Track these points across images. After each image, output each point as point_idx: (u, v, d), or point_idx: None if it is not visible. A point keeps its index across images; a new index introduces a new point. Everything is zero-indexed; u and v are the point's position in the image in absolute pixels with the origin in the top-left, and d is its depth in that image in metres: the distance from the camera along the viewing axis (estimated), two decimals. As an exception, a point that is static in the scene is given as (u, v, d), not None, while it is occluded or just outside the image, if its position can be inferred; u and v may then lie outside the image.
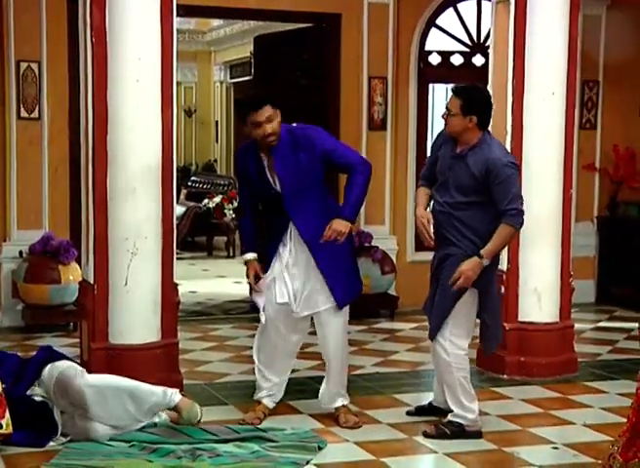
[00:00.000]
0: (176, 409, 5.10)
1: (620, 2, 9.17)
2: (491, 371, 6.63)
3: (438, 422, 5.32)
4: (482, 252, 5.03)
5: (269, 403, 5.47)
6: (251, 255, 5.34)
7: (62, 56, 7.94)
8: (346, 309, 5.42)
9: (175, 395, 5.09)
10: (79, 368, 5.12)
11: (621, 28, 9.17)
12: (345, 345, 5.48)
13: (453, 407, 5.25)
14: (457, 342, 5.21)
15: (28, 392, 4.98)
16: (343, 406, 5.46)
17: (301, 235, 5.25)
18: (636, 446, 4.16)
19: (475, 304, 5.22)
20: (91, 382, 4.93)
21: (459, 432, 5.20)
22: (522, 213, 5.07)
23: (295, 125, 5.33)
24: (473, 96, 5.17)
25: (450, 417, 5.27)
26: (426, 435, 5.23)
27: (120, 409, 4.93)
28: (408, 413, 5.62)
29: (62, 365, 5.05)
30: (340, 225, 5.13)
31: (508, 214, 5.01)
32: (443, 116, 5.24)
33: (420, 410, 5.60)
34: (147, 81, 5.64)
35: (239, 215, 5.68)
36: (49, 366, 5.05)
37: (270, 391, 5.45)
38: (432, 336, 5.27)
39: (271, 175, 5.26)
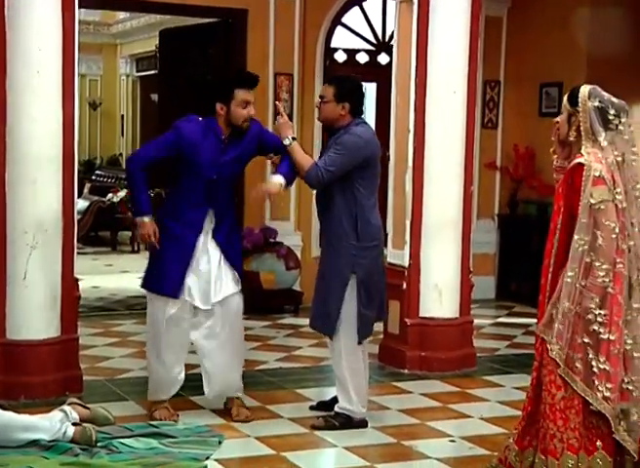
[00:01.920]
0: (72, 441, 4.83)
1: (521, 4, 9.35)
2: (392, 366, 6.71)
3: (326, 415, 5.36)
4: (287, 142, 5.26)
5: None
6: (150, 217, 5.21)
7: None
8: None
9: (68, 429, 4.79)
10: None
11: (522, 29, 9.36)
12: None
13: (340, 398, 5.32)
14: (346, 337, 5.25)
15: None
16: (237, 398, 5.47)
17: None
18: (530, 434, 4.27)
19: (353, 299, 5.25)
20: None
21: (346, 423, 5.28)
22: (322, 177, 5.11)
23: None
24: (346, 84, 5.32)
25: (337, 409, 5.33)
26: (315, 427, 5.28)
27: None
28: (311, 408, 5.65)
29: None
30: (271, 185, 5.22)
31: (317, 165, 5.14)
32: (317, 105, 5.38)
33: (323, 405, 5.63)
34: (48, 72, 5.55)
35: (135, 166, 5.22)
36: None
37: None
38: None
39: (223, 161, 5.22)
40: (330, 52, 9.25)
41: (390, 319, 6.82)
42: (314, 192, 5.59)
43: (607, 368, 4.04)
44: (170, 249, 5.20)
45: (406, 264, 6.69)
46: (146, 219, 5.18)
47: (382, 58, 9.50)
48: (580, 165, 4.10)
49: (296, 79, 8.91)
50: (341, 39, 9.35)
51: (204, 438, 4.94)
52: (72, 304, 5.85)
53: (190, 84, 8.60)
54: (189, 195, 5.22)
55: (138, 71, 16.89)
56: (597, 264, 4.05)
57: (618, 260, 4.07)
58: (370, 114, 9.80)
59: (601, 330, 4.05)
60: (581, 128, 4.19)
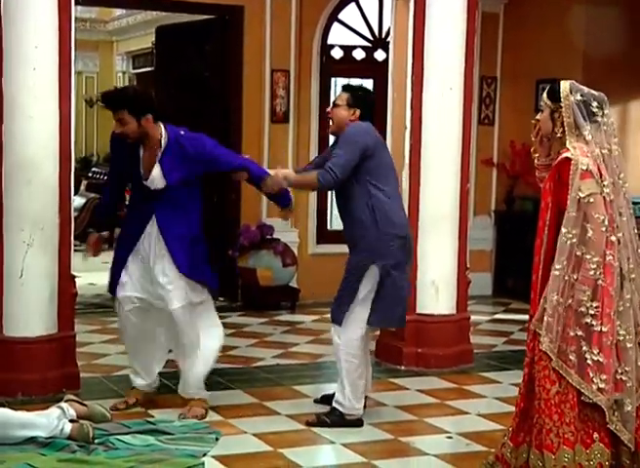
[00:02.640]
0: (69, 437, 4.83)
1: (517, 0, 9.35)
2: (388, 362, 6.71)
3: (321, 412, 5.38)
4: (291, 176, 5.27)
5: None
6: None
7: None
8: None
9: (65, 426, 4.80)
10: None
11: (518, 26, 9.36)
12: None
13: (338, 391, 5.35)
14: (350, 328, 5.28)
15: None
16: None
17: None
18: (524, 430, 4.29)
19: (368, 293, 5.26)
20: None
21: (339, 421, 5.29)
22: (334, 174, 5.15)
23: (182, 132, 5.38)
24: (359, 92, 5.50)
25: (333, 404, 5.34)
26: (309, 424, 5.30)
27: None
28: (315, 401, 5.70)
29: None
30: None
31: (325, 168, 5.18)
32: (328, 114, 5.47)
33: (326, 399, 5.62)
34: (45, 69, 5.55)
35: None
36: None
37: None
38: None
39: (144, 168, 5.33)
40: (326, 48, 9.24)
41: (387, 315, 6.84)
42: (319, 193, 5.68)
43: (600, 359, 4.06)
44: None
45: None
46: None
47: (379, 55, 9.49)
48: (568, 159, 4.13)
49: (292, 75, 8.91)
50: (338, 35, 9.34)
51: (201, 434, 4.95)
52: (69, 301, 5.85)
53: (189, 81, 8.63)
54: (132, 194, 5.52)
55: (134, 68, 16.84)
56: (588, 257, 4.07)
57: (607, 252, 4.09)
58: (367, 111, 9.81)
59: (593, 322, 4.07)
60: (565, 123, 4.21)
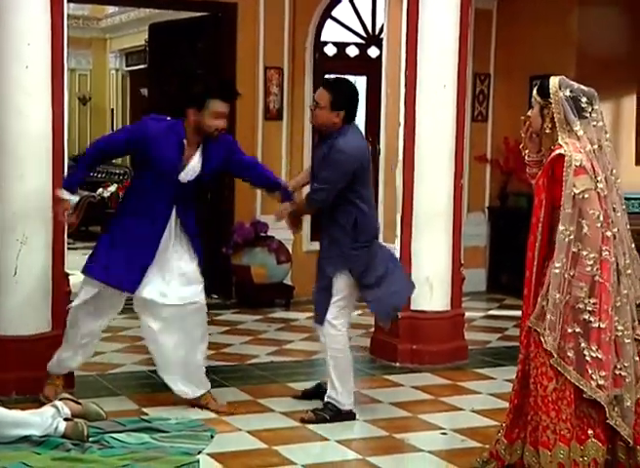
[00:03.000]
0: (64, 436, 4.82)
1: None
2: (383, 359, 6.71)
3: (315, 408, 5.38)
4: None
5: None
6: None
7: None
8: None
9: (60, 425, 4.78)
10: None
11: (511, 22, 9.36)
12: None
13: (329, 387, 5.37)
14: (335, 324, 5.30)
15: None
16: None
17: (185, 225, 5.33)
18: (519, 427, 4.29)
19: (352, 287, 5.31)
20: None
21: (335, 416, 5.31)
22: (318, 193, 5.23)
23: None
24: (343, 92, 5.31)
25: (325, 398, 5.37)
26: (305, 421, 5.29)
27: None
28: (295, 397, 5.71)
29: None
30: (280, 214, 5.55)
31: (312, 190, 5.30)
32: (311, 108, 5.37)
33: (308, 394, 5.68)
34: (37, 67, 5.52)
35: (91, 150, 5.48)
36: None
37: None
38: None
39: (184, 165, 5.23)
40: (320, 45, 9.23)
41: (382, 312, 6.84)
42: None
43: (599, 356, 4.06)
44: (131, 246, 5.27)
45: (397, 257, 6.68)
46: (66, 196, 5.31)
47: (372, 52, 9.49)
48: (561, 156, 4.13)
49: (286, 73, 8.90)
50: (331, 32, 9.34)
51: (196, 432, 4.94)
52: (63, 299, 5.82)
53: (179, 76, 8.60)
54: (153, 192, 5.24)
55: (127, 66, 16.83)
56: (584, 253, 4.07)
57: (603, 248, 4.09)
58: (360, 107, 9.79)
59: (591, 318, 4.08)
60: (555, 119, 4.21)
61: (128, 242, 5.26)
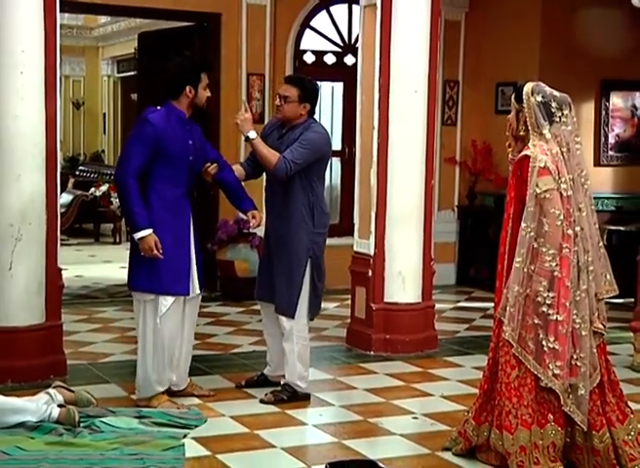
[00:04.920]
0: (57, 422, 4.74)
1: (478, 8, 9.35)
2: (358, 348, 6.70)
3: (274, 390, 5.40)
4: (253, 136, 5.22)
5: None
6: (150, 230, 4.93)
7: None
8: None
9: (53, 411, 4.73)
10: None
11: (479, 32, 9.37)
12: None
13: (289, 374, 5.38)
14: (300, 316, 5.33)
15: None
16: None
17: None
18: (487, 410, 4.30)
19: (307, 285, 5.32)
20: None
21: (293, 396, 5.35)
22: (289, 168, 5.14)
23: None
24: (309, 87, 5.38)
25: (283, 382, 5.40)
26: (264, 401, 5.32)
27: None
28: (237, 387, 5.64)
29: None
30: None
31: (285, 157, 5.15)
32: (278, 104, 5.39)
33: (253, 383, 5.65)
34: (31, 72, 5.48)
35: (126, 189, 4.92)
36: None
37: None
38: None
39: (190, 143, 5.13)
40: (299, 53, 9.22)
41: (357, 304, 6.84)
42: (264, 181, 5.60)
43: (556, 347, 4.08)
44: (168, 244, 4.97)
45: (371, 253, 6.69)
46: (145, 234, 4.90)
47: (349, 60, 9.47)
48: (527, 157, 4.15)
49: (267, 79, 8.89)
50: (310, 41, 9.32)
51: (182, 418, 4.90)
52: (56, 292, 5.80)
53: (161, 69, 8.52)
54: (173, 182, 5.04)
55: (118, 72, 16.76)
56: (544, 250, 4.08)
57: (564, 246, 4.10)
58: (337, 112, 9.79)
59: (550, 311, 4.09)
60: (527, 122, 4.23)
61: (167, 245, 4.96)
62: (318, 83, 5.58)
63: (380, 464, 4.00)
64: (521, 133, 4.29)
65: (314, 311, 5.45)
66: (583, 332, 4.16)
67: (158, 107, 5.13)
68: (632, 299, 6.90)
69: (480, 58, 9.42)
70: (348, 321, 7.01)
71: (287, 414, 5.17)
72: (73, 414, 4.68)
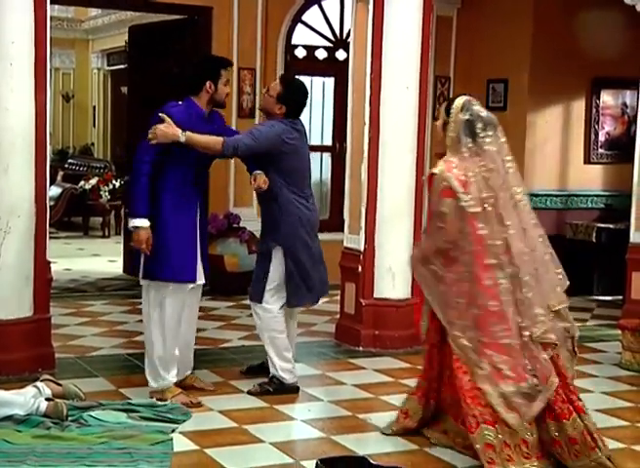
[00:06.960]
0: (44, 415, 4.73)
1: (470, 4, 9.36)
2: (347, 344, 6.71)
3: (261, 382, 5.44)
4: (182, 137, 5.01)
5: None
6: (147, 222, 5.01)
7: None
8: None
9: (41, 405, 4.72)
10: None
11: (470, 29, 9.37)
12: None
13: (270, 365, 5.46)
14: (266, 306, 5.38)
15: None
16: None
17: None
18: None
19: (281, 269, 5.37)
20: None
21: (279, 388, 5.39)
22: (236, 147, 5.14)
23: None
24: (293, 90, 5.44)
25: (272, 372, 5.45)
26: (251, 393, 5.37)
27: None
28: (241, 372, 5.77)
29: None
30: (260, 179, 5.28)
31: (234, 138, 5.19)
32: (263, 93, 5.56)
33: (252, 369, 5.76)
34: (21, 64, 5.46)
35: (138, 172, 5.04)
36: None
37: None
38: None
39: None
40: (290, 48, 9.20)
41: (346, 300, 6.85)
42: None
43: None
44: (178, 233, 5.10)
45: (361, 249, 6.69)
46: (141, 224, 4.98)
47: (340, 55, 9.46)
48: (434, 174, 4.22)
49: (258, 73, 8.88)
50: (302, 36, 9.31)
51: (170, 413, 4.89)
52: (44, 286, 5.78)
53: (179, 68, 8.51)
54: (184, 175, 5.13)
55: (109, 65, 16.72)
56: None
57: (486, 276, 4.20)
58: (328, 107, 9.79)
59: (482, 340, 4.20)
60: (448, 137, 4.26)
61: (176, 233, 5.10)
62: (307, 86, 5.64)
63: (371, 460, 4.01)
64: (448, 143, 4.33)
65: (291, 301, 5.45)
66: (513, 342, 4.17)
67: (179, 102, 5.20)
68: (620, 297, 6.93)
69: (472, 54, 9.42)
70: (337, 316, 7.02)
71: (275, 409, 5.17)
72: (61, 408, 4.67)
